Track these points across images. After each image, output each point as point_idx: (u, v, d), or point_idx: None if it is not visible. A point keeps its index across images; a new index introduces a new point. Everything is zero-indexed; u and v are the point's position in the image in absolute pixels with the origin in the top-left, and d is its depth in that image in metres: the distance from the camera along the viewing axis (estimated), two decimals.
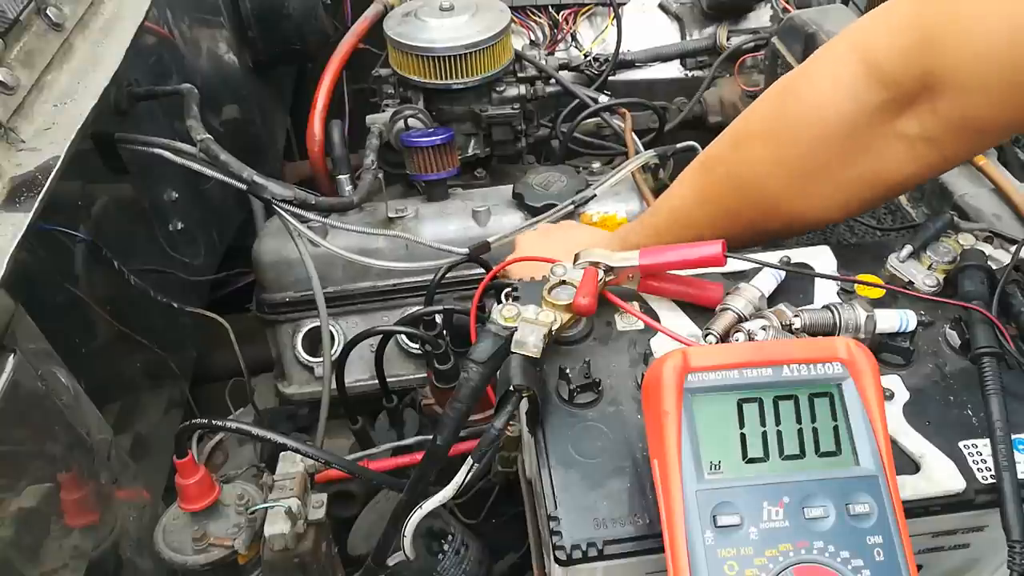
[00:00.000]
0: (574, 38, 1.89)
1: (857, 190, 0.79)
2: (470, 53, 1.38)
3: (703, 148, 0.92)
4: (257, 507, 0.86)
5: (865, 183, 0.78)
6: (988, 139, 0.78)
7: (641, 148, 1.44)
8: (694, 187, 0.88)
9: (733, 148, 0.84)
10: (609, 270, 0.75)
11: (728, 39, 1.79)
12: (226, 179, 1.15)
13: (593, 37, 1.88)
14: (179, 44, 1.31)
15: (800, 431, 0.56)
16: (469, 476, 0.66)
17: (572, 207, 1.26)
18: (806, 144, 0.76)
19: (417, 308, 1.23)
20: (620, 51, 1.76)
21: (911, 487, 0.63)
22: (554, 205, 1.26)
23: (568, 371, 0.69)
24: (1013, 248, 0.79)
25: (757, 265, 0.78)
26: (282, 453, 0.88)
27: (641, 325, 0.75)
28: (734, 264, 0.79)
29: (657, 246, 0.77)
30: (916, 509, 0.63)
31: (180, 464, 0.83)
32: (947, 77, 0.67)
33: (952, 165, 0.81)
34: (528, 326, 0.69)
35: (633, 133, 1.48)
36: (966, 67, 0.66)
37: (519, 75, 1.52)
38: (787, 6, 1.74)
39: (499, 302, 0.73)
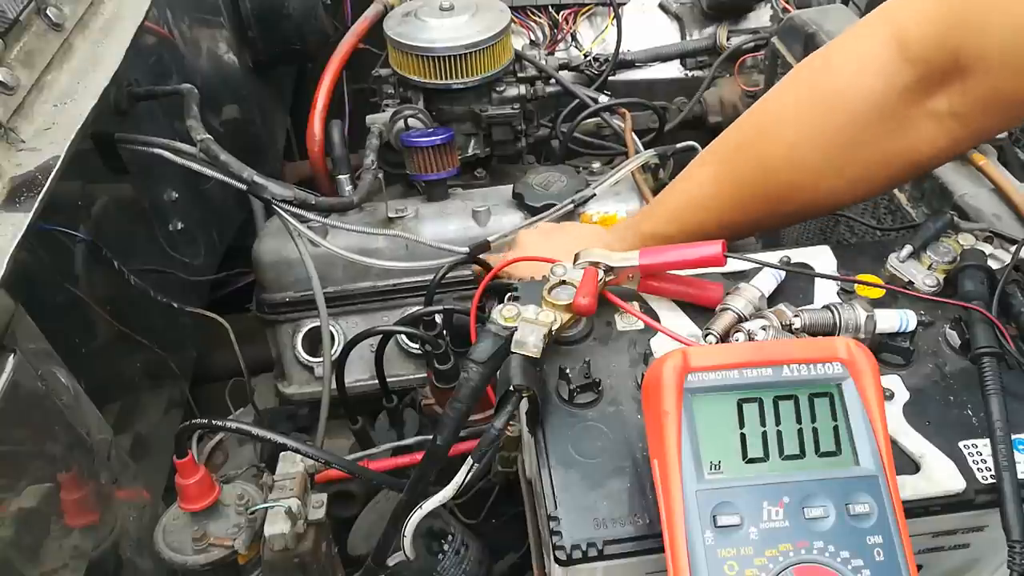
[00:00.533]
0: (574, 38, 1.89)
1: (887, 167, 0.79)
2: (470, 53, 1.37)
3: (703, 148, 0.92)
4: (257, 507, 0.86)
5: (895, 160, 0.78)
6: (1016, 113, 0.79)
7: (641, 148, 1.44)
8: (714, 172, 0.87)
9: (760, 132, 0.84)
10: (609, 270, 0.75)
11: (728, 39, 1.79)
12: (226, 179, 1.15)
13: (593, 37, 1.88)
14: (179, 44, 1.31)
15: (800, 431, 0.56)
16: (469, 476, 0.66)
17: (572, 207, 1.26)
18: (838, 123, 0.76)
19: (417, 308, 1.23)
20: (620, 51, 1.76)
21: (911, 487, 0.63)
22: (554, 205, 1.26)
23: (568, 371, 0.69)
24: (1013, 248, 0.79)
25: (757, 265, 0.78)
26: (282, 453, 0.88)
27: (641, 325, 0.75)
28: (734, 264, 0.79)
29: (657, 246, 0.77)
30: (916, 509, 0.63)
31: (180, 464, 0.83)
32: (978, 55, 0.68)
33: (980, 141, 0.82)
34: (528, 326, 0.69)
35: (633, 133, 1.48)
36: (997, 45, 0.67)
37: (519, 75, 1.52)
38: (787, 6, 1.74)
39: (500, 302, 0.73)
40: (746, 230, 0.89)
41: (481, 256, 1.15)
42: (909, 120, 0.74)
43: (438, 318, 1.11)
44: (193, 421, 0.83)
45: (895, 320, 0.73)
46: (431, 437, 0.73)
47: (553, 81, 1.55)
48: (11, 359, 0.69)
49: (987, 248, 0.79)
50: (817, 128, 0.78)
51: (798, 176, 0.81)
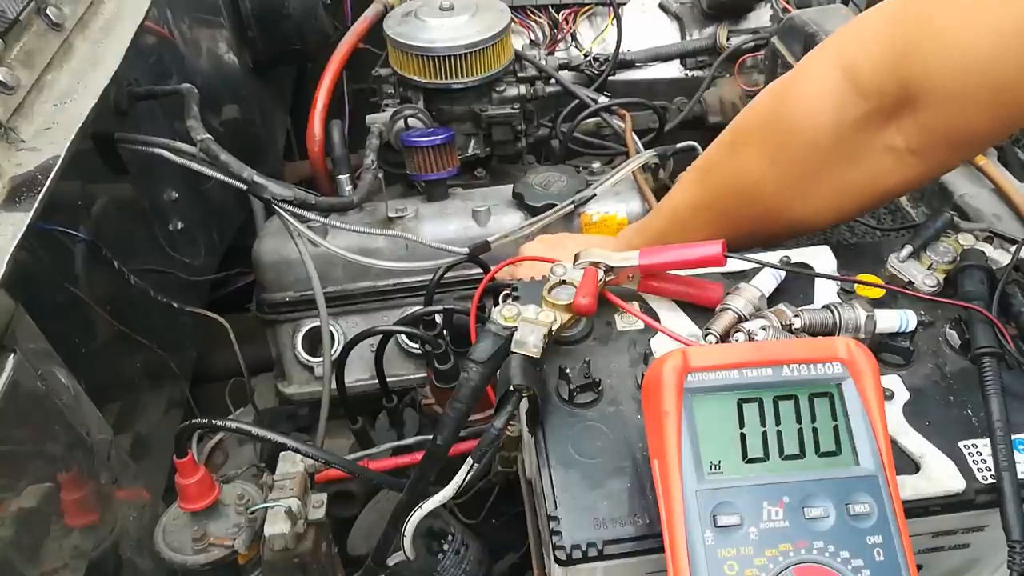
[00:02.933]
0: (574, 38, 1.89)
1: (850, 196, 0.79)
2: (470, 53, 1.37)
3: (703, 148, 0.93)
4: (257, 507, 0.86)
5: (856, 190, 0.78)
6: (975, 148, 0.78)
7: (641, 148, 1.44)
8: (693, 192, 0.89)
9: (730, 152, 0.84)
10: (609, 270, 0.75)
11: (728, 39, 1.78)
12: (226, 179, 1.15)
13: (593, 37, 1.88)
14: (179, 44, 1.31)
15: (800, 431, 0.56)
16: (469, 476, 0.66)
17: (572, 207, 1.26)
18: (797, 150, 0.76)
19: (417, 308, 1.23)
20: (620, 51, 1.76)
21: (911, 487, 0.63)
22: (554, 205, 1.26)
23: (568, 371, 0.69)
24: (1013, 248, 0.79)
25: (757, 265, 0.78)
26: (282, 453, 0.88)
27: (641, 325, 0.75)
28: (734, 264, 0.79)
29: (657, 246, 0.77)
30: (916, 509, 0.63)
31: (180, 464, 0.83)
32: (926, 89, 0.67)
33: (942, 173, 0.81)
34: (528, 326, 0.69)
35: (633, 133, 1.48)
36: (945, 80, 0.66)
37: (519, 75, 1.52)
38: (787, 6, 1.74)
39: (499, 302, 0.73)
40: (733, 247, 0.90)
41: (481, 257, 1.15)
42: (866, 152, 0.74)
43: (438, 318, 1.11)
44: (193, 421, 0.83)
45: (895, 320, 0.73)
46: (431, 437, 0.73)
47: (553, 81, 1.55)
48: (11, 359, 0.69)
49: (987, 248, 0.79)
50: (775, 158, 0.78)
51: (766, 202, 0.81)
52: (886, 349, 0.72)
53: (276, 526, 0.81)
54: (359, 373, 1.29)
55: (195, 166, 1.14)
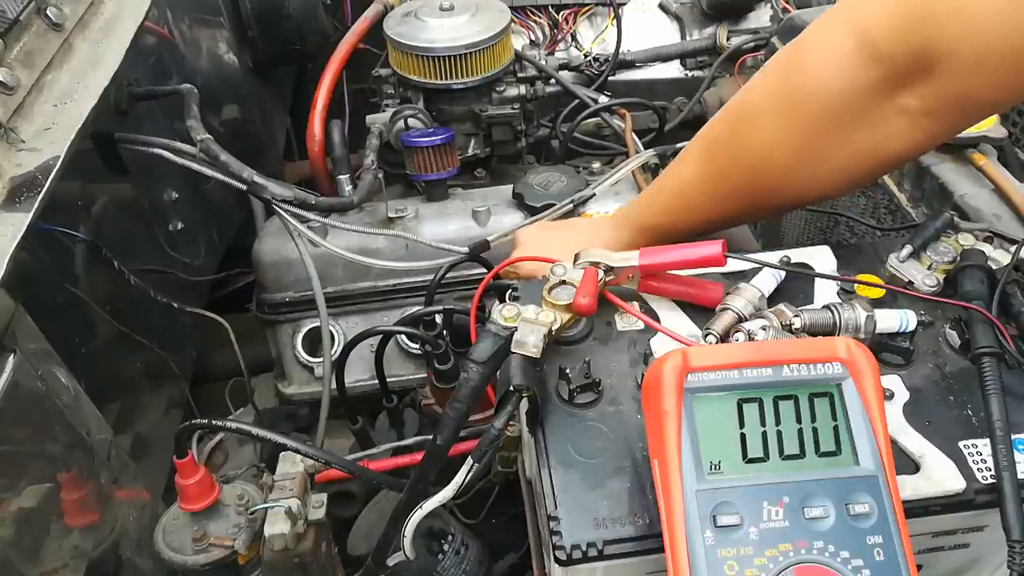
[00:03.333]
0: (574, 38, 1.89)
1: (862, 161, 0.78)
2: (470, 53, 1.37)
3: None
4: (257, 507, 0.86)
5: (869, 155, 0.77)
6: (988, 112, 0.77)
7: (641, 148, 1.43)
8: (698, 167, 0.87)
9: (737, 125, 0.83)
10: (609, 270, 0.75)
11: (728, 39, 1.78)
12: (226, 179, 1.15)
13: (593, 37, 1.88)
14: (179, 44, 1.31)
15: (800, 431, 0.56)
16: (469, 476, 0.66)
17: (572, 207, 1.26)
18: (811, 117, 0.76)
19: (417, 308, 1.23)
20: (620, 51, 1.76)
21: (911, 487, 0.63)
22: (554, 205, 1.26)
23: (568, 371, 0.69)
24: (1013, 248, 0.79)
25: (757, 265, 0.78)
26: (282, 453, 0.88)
27: (641, 325, 0.75)
28: (734, 264, 0.79)
29: (657, 247, 0.77)
30: (916, 509, 0.63)
31: (180, 464, 0.83)
32: (941, 54, 0.67)
33: (954, 135, 0.80)
34: (528, 326, 0.69)
35: (633, 133, 1.48)
36: (961, 46, 0.66)
37: (519, 75, 1.52)
38: (787, 6, 1.74)
39: (501, 301, 0.73)
40: (736, 222, 0.88)
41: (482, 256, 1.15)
42: (879, 117, 0.73)
43: (438, 318, 1.11)
44: (193, 421, 0.83)
45: (895, 320, 0.73)
46: (431, 437, 0.73)
47: (553, 81, 1.55)
48: (11, 359, 0.69)
49: (987, 248, 0.79)
50: (788, 125, 0.77)
51: (774, 171, 0.80)
52: (886, 349, 0.72)
53: (276, 526, 0.81)
54: (359, 373, 1.29)
55: (195, 166, 1.14)
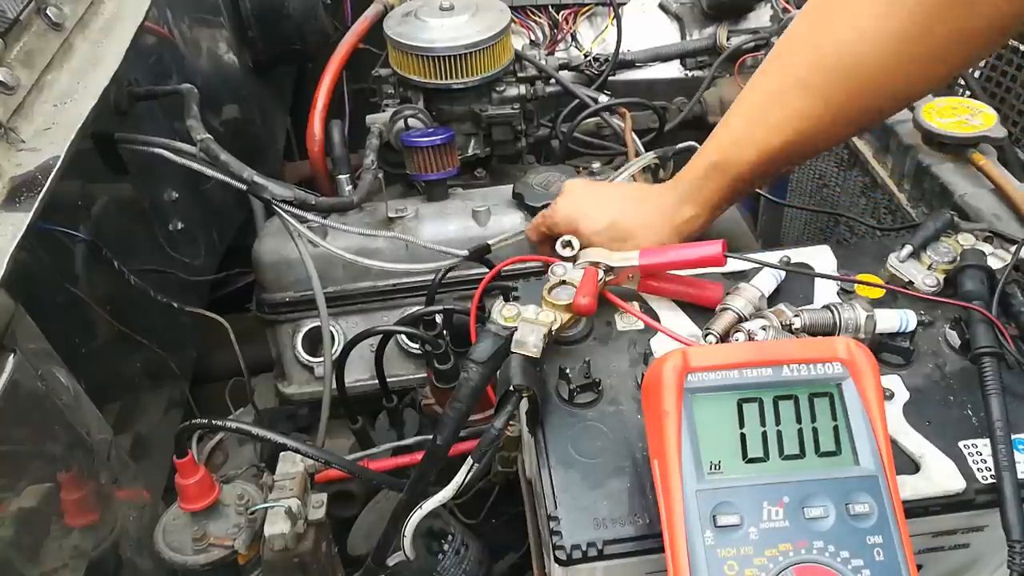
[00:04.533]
0: (574, 38, 1.89)
1: (964, 47, 0.74)
2: (470, 53, 1.37)
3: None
4: (257, 507, 0.86)
5: (970, 38, 0.73)
6: None
7: (641, 148, 1.43)
8: (778, 83, 0.82)
9: (823, 22, 0.78)
10: (609, 270, 0.75)
11: (728, 39, 1.78)
12: (226, 179, 1.15)
13: (593, 37, 1.88)
14: (179, 44, 1.31)
15: (800, 431, 0.56)
16: (469, 476, 0.66)
17: None
18: (912, 4, 0.72)
19: (417, 308, 1.23)
20: (620, 51, 1.76)
21: (911, 487, 0.63)
22: None
23: (568, 371, 0.69)
24: (1013, 248, 0.79)
25: (757, 265, 0.78)
26: (282, 453, 0.88)
27: (641, 325, 0.75)
28: (734, 264, 0.79)
29: (657, 247, 0.77)
30: (916, 509, 0.63)
31: (180, 464, 0.83)
32: None
33: None
34: (528, 326, 0.69)
35: (633, 133, 1.48)
36: None
37: (519, 75, 1.52)
38: (787, 6, 1.74)
39: (507, 300, 0.73)
40: (820, 144, 0.83)
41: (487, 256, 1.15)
42: None
43: (438, 318, 1.11)
44: (193, 421, 0.83)
45: (895, 320, 0.73)
46: (431, 437, 0.73)
47: (553, 81, 1.55)
48: (11, 359, 0.69)
49: (987, 248, 0.79)
50: (889, 15, 0.73)
51: (870, 70, 0.75)
52: (886, 349, 0.72)
53: (276, 526, 0.81)
54: (359, 373, 1.29)
55: (195, 166, 1.14)
